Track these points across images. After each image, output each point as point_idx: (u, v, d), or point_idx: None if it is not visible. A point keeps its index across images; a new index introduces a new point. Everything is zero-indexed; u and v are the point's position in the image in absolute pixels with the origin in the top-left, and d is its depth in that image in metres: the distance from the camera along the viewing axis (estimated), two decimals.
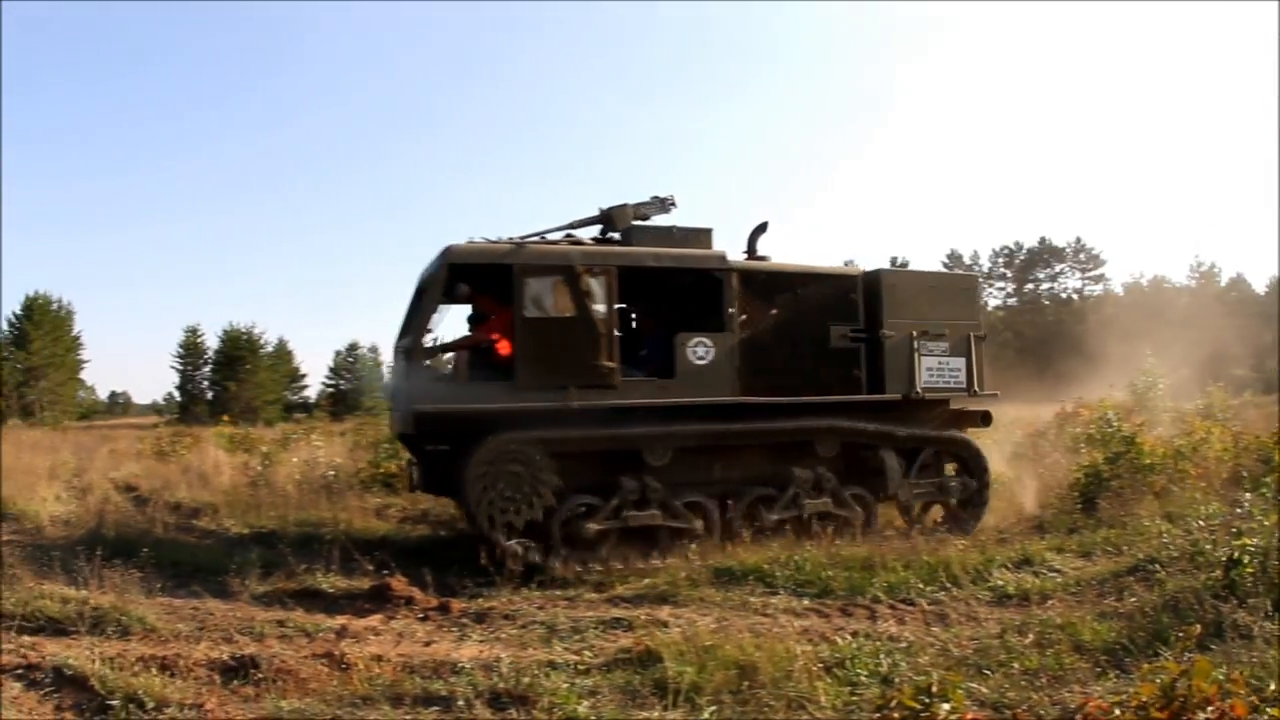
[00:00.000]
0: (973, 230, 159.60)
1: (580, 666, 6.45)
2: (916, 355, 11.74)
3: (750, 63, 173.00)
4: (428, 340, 10.91)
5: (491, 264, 10.59)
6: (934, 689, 4.56)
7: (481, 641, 7.54)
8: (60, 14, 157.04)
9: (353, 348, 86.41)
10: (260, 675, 6.56)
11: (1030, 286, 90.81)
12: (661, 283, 11.88)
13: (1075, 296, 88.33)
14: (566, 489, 10.39)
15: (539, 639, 7.42)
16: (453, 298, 11.35)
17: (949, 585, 8.61)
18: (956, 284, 13.34)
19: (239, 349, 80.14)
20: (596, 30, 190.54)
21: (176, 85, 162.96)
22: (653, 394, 10.81)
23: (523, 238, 11.06)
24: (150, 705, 6.04)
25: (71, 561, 9.80)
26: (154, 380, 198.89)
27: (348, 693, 6.14)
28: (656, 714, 5.37)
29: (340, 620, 8.34)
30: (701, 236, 11.71)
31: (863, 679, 5.93)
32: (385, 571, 9.68)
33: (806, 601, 8.28)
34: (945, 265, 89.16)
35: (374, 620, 8.43)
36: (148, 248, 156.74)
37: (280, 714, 5.73)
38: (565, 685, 5.91)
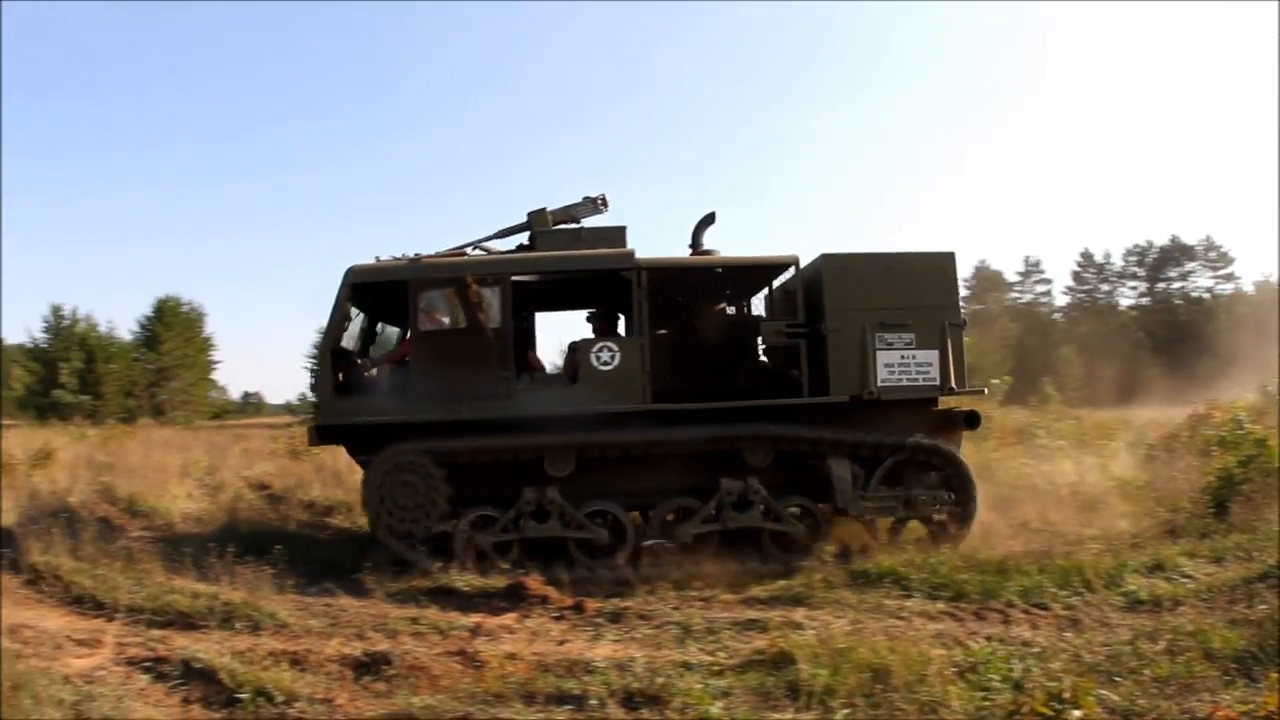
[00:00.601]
0: (1106, 229, 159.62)
1: (714, 667, 6.63)
2: (871, 350, 10.85)
3: (872, 62, 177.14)
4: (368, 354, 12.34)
5: (392, 281, 11.23)
6: (1065, 695, 4.71)
7: (616, 641, 7.77)
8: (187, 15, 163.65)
9: None
10: (392, 672, 6.90)
11: (1162, 285, 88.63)
12: (590, 287, 12.13)
13: (1206, 295, 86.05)
14: (467, 500, 10.96)
15: (674, 639, 7.63)
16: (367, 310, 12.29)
17: (1082, 590, 8.63)
18: (924, 264, 11.31)
19: None
20: (728, 31, 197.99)
21: (321, 86, 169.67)
22: (550, 403, 11.03)
23: (453, 249, 11.72)
24: (279, 699, 6.42)
25: (203, 558, 10.33)
26: (287, 381, 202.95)
27: (480, 690, 6.38)
28: (789, 716, 5.52)
29: (474, 618, 8.64)
30: (613, 236, 11.81)
31: (995, 684, 6.03)
32: (520, 570, 9.99)
33: (941, 605, 8.40)
34: (1078, 265, 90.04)
35: (508, 619, 8.70)
36: (284, 247, 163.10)
37: (411, 710, 5.98)
38: (699, 686, 6.08)
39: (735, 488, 10.73)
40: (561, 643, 7.87)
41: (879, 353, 10.82)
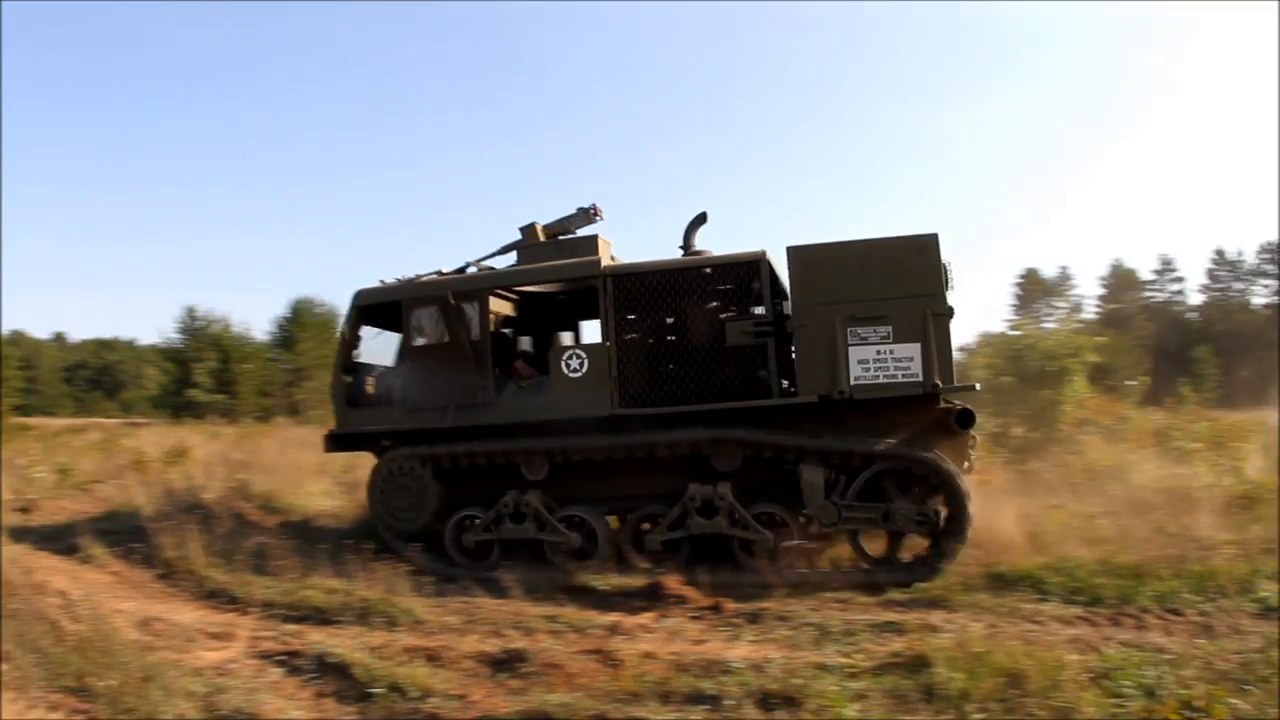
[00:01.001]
0: (1240, 226, 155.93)
1: (850, 669, 6.73)
2: (842, 346, 10.58)
3: (1001, 61, 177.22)
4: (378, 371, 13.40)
5: (392, 301, 12.54)
6: (1198, 703, 4.74)
7: (753, 642, 7.89)
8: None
9: None
10: (528, 669, 7.16)
11: None
12: (585, 298, 12.66)
13: None
14: (465, 501, 12.02)
15: (811, 641, 7.74)
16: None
17: (1216, 595, 8.52)
18: (903, 250, 10.69)
19: None
20: (858, 31, 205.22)
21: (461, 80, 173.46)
22: (524, 410, 11.81)
23: (460, 268, 12.82)
24: (414, 694, 6.70)
25: (339, 555, 10.74)
26: None
27: (616, 688, 6.57)
28: (923, 719, 5.58)
29: (612, 617, 8.87)
30: (586, 245, 12.44)
31: (1128, 690, 6.03)
32: (659, 570, 10.23)
33: (1077, 609, 8.36)
34: (1212, 263, 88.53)
35: (646, 618, 8.90)
36: (419, 245, 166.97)
37: (546, 708, 6.18)
38: (834, 688, 6.19)
39: (701, 493, 10.91)
40: (699, 642, 8.00)
41: (851, 348, 10.57)
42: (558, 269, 12.18)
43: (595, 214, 12.91)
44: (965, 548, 10.10)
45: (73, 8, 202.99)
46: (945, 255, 10.37)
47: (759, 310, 11.01)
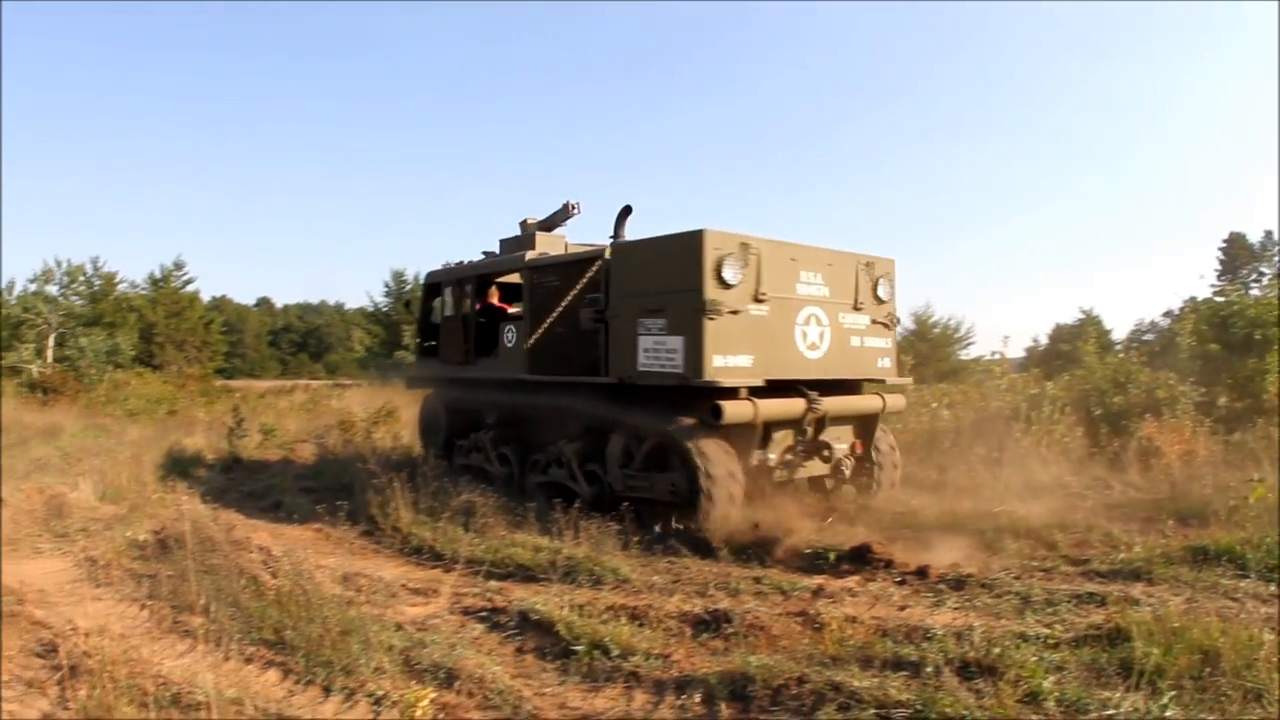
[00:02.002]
0: None
1: (1050, 640, 6.88)
2: (636, 335, 12.03)
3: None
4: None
5: (444, 280, 17.25)
6: None
7: (956, 609, 8.11)
8: None
9: None
10: (731, 630, 7.46)
11: None
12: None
13: None
14: (459, 433, 16.79)
15: (1013, 609, 7.94)
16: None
17: None
18: (676, 247, 11.65)
19: None
20: None
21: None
22: (486, 370, 15.78)
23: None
24: (615, 652, 7.01)
25: (547, 514, 11.49)
26: None
27: (818, 652, 6.80)
28: (1118, 694, 5.67)
29: (817, 580, 9.19)
30: (525, 240, 15.80)
31: None
32: (865, 533, 10.63)
33: (1273, 587, 8.35)
34: None
35: (851, 581, 9.18)
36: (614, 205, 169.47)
37: (748, 668, 6.38)
38: (1034, 658, 6.33)
39: (560, 449, 13.62)
40: (902, 608, 8.21)
41: (640, 338, 12.00)
42: (505, 260, 15.86)
43: (574, 209, 15.73)
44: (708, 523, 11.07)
45: None
46: (724, 249, 11.24)
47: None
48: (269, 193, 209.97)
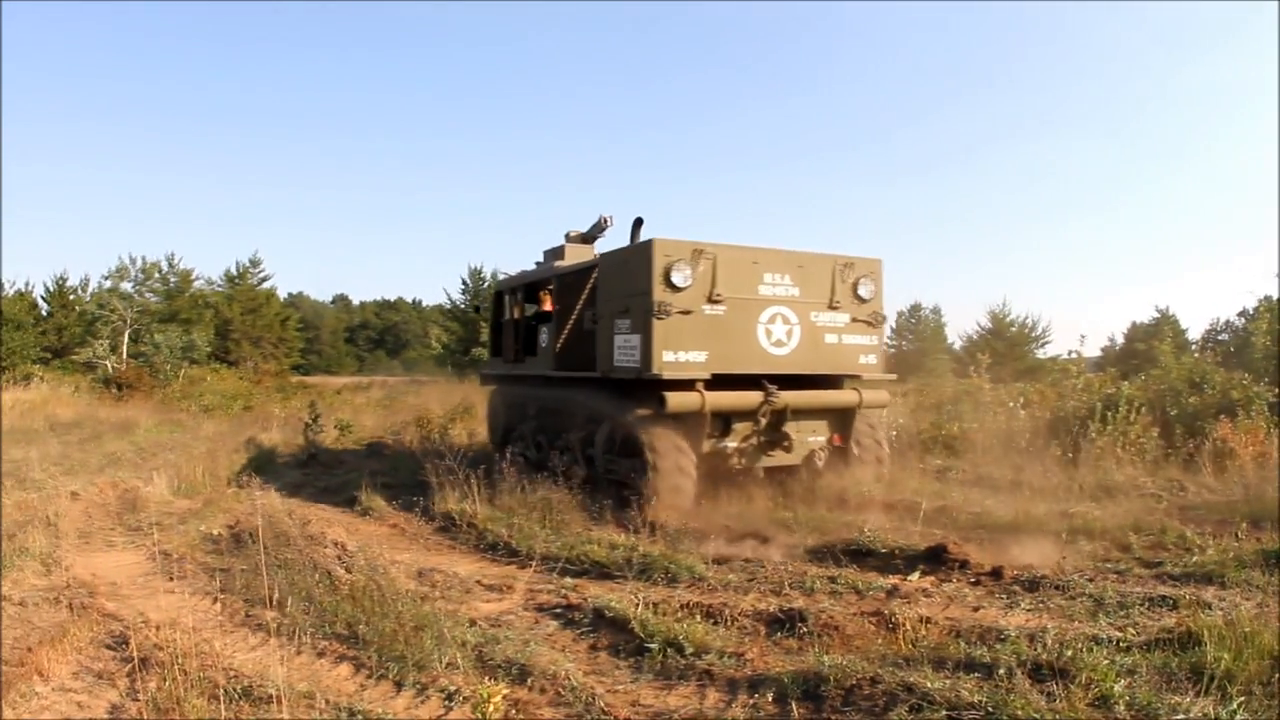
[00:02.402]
0: None
1: (1122, 643, 6.86)
2: (613, 334, 13.70)
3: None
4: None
5: (505, 287, 19.59)
6: None
7: (1030, 610, 8.12)
8: None
9: (915, 309, 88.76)
10: (805, 629, 7.49)
11: None
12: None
13: None
14: (514, 424, 18.41)
15: (1086, 611, 7.93)
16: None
17: None
18: (635, 255, 13.44)
19: None
20: None
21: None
22: (528, 368, 17.84)
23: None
24: (689, 650, 7.06)
25: (623, 512, 11.69)
26: None
27: (891, 652, 6.83)
28: (1187, 699, 5.62)
29: (892, 580, 9.25)
30: (557, 252, 17.45)
31: None
32: (941, 533, 10.65)
33: None
34: None
35: (926, 582, 9.24)
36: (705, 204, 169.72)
37: (821, 668, 6.40)
38: (1105, 661, 6.27)
39: (569, 437, 15.36)
40: (976, 609, 8.26)
41: (615, 336, 13.63)
42: (542, 270, 17.77)
43: (607, 222, 16.99)
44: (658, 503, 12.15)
45: None
46: (674, 256, 12.68)
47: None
48: (347, 189, 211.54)
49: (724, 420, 13.14)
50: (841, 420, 14.23)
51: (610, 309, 13.78)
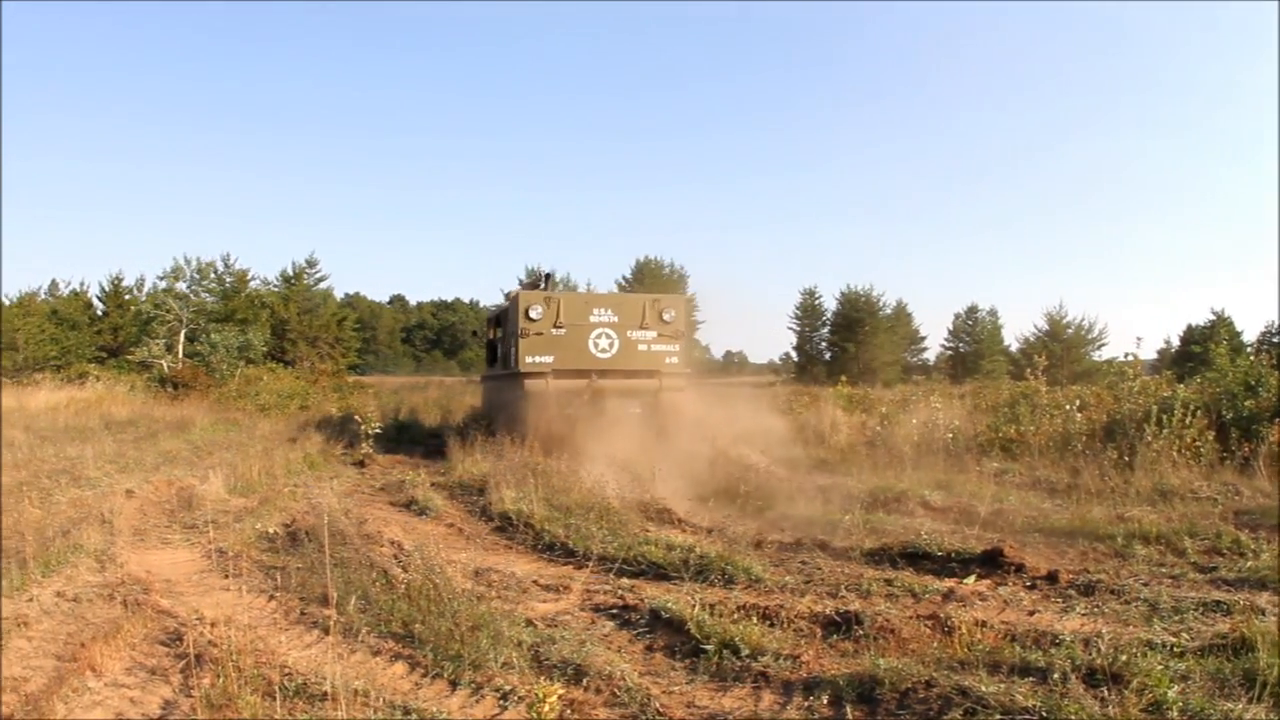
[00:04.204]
0: None
1: (1176, 649, 6.91)
2: (510, 347, 22.08)
3: None
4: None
5: (487, 315, 31.20)
6: None
7: (1084, 615, 8.15)
8: None
9: (972, 310, 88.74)
10: (861, 632, 7.55)
11: None
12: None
13: None
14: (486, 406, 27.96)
15: (1140, 616, 7.97)
16: None
17: None
18: (513, 301, 22.48)
19: (857, 311, 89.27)
20: None
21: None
22: (491, 371, 26.69)
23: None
24: (745, 652, 7.13)
25: (690, 513, 11.79)
26: (769, 340, 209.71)
27: (946, 656, 6.89)
28: (1240, 706, 5.68)
29: (948, 583, 9.29)
30: (512, 293, 24.42)
31: None
32: (997, 536, 10.66)
33: None
34: None
35: (982, 585, 9.26)
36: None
37: (876, 671, 6.46)
38: (1159, 667, 6.27)
39: (496, 409, 25.08)
40: (1031, 613, 8.30)
41: (511, 349, 21.59)
42: (498, 307, 26.84)
43: (542, 276, 23.74)
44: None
45: None
46: (531, 301, 20.30)
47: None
48: (405, 190, 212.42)
49: (566, 395, 20.01)
50: (653, 399, 20.72)
51: (508, 332, 22.45)
